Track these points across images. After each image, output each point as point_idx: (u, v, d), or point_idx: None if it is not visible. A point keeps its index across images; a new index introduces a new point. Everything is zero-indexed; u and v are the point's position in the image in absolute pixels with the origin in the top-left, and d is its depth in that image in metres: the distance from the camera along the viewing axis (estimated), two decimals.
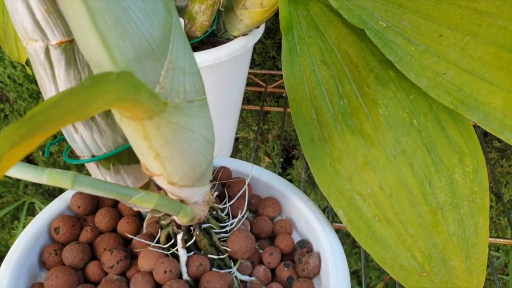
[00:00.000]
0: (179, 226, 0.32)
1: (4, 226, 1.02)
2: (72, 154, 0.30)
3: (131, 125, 0.24)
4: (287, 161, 0.98)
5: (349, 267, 0.95)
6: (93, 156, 0.28)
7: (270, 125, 0.90)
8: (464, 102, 0.30)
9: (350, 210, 0.33)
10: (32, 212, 0.98)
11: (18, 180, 0.99)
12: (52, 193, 1.00)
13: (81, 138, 0.27)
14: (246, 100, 0.88)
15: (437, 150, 0.33)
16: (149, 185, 0.31)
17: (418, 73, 0.33)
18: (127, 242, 0.35)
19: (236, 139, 0.93)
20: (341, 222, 0.60)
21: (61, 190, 0.85)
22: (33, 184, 1.01)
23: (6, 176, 0.97)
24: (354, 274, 1.01)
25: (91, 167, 0.29)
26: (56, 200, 0.36)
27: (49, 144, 0.30)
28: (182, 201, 0.29)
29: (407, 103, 0.33)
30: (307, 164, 0.88)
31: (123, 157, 0.29)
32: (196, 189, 0.28)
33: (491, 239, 0.59)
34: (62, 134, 0.29)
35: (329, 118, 0.34)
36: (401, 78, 0.34)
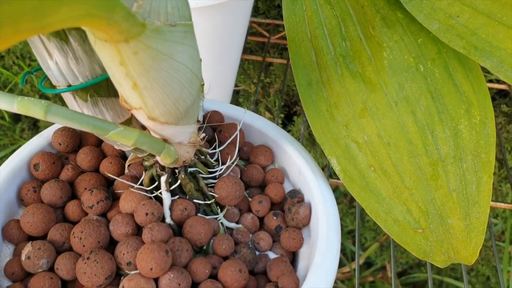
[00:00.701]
0: (163, 168, 0.30)
1: None
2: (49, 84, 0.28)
3: (106, 48, 0.21)
4: (288, 118, 0.96)
5: (345, 227, 0.94)
6: (69, 86, 0.26)
7: (272, 78, 0.88)
8: (478, 47, 0.28)
9: (344, 159, 0.32)
10: None
11: (14, 124, 0.98)
12: None
13: (56, 65, 0.25)
14: (249, 50, 0.85)
15: (443, 98, 0.31)
16: (131, 122, 0.29)
17: (429, 15, 0.30)
18: (109, 183, 0.33)
19: (237, 92, 0.91)
20: (338, 179, 0.58)
21: None
22: (30, 128, 0.99)
23: (1, 119, 0.95)
24: (350, 234, 1.00)
25: (68, 98, 0.27)
26: (36, 137, 0.34)
27: (24, 73, 0.28)
28: (165, 140, 0.27)
29: (414, 47, 0.31)
30: (307, 120, 0.86)
31: (102, 88, 0.27)
32: (180, 128, 0.26)
33: (491, 202, 0.58)
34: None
35: (329, 60, 0.32)
36: (409, 21, 0.32)
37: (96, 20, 0.19)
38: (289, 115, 0.95)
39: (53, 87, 0.27)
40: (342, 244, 0.94)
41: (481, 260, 0.97)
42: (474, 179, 0.31)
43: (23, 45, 0.88)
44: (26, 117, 1.00)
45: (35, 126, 1.01)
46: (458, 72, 0.31)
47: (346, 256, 0.96)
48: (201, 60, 0.25)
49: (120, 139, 0.25)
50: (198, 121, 0.28)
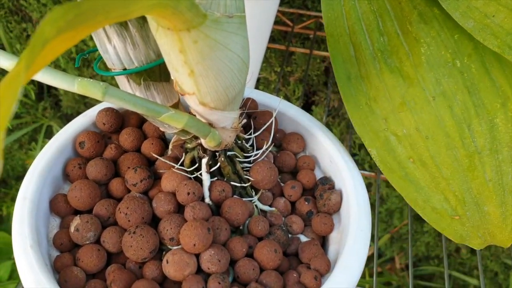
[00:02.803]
0: (204, 151, 0.32)
1: (22, 147, 1.04)
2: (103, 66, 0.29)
3: (167, 36, 0.23)
4: (306, 107, 0.97)
5: None
6: (125, 69, 0.27)
7: (294, 68, 0.89)
8: None
9: (384, 151, 0.33)
10: (49, 135, 1.00)
11: (37, 102, 1.00)
12: (69, 118, 1.01)
13: (114, 49, 0.26)
14: (272, 39, 0.86)
15: (479, 93, 0.32)
16: (178, 106, 0.31)
17: (465, 14, 0.31)
18: (150, 163, 0.35)
19: (258, 80, 0.92)
20: (364, 170, 0.60)
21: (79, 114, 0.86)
22: (52, 107, 1.01)
23: (26, 97, 0.97)
24: None
25: (122, 81, 0.28)
26: (81, 116, 0.36)
27: (79, 55, 0.29)
28: (210, 124, 0.29)
29: (451, 43, 0.32)
30: (328, 109, 0.86)
31: (155, 73, 0.28)
32: (226, 113, 0.28)
33: None
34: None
35: (367, 55, 0.33)
36: (446, 17, 0.33)
37: (164, 9, 0.20)
38: (307, 105, 0.96)
39: (108, 69, 0.28)
40: None
41: (491, 256, 0.98)
42: (510, 169, 0.32)
43: None
44: (49, 96, 1.01)
45: (57, 105, 1.03)
46: (494, 67, 0.32)
47: None
48: (249, 47, 0.27)
49: (171, 122, 0.26)
50: (240, 107, 0.29)
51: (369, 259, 1.00)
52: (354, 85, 0.33)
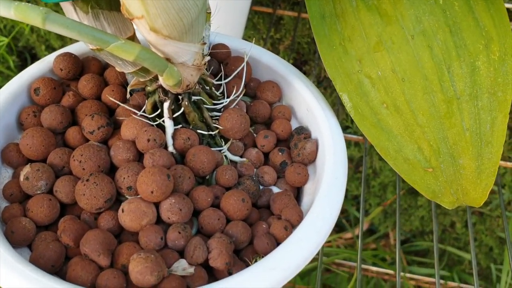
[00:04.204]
0: (166, 93, 0.29)
1: None
2: None
3: None
4: None
5: (350, 192, 0.94)
6: None
7: (283, 34, 0.85)
8: None
9: (356, 95, 0.30)
10: None
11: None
12: None
13: None
14: (259, 3, 0.82)
15: (462, 32, 0.29)
16: (133, 40, 0.28)
17: None
18: (111, 112, 0.32)
19: None
20: (349, 133, 0.57)
21: None
22: None
23: (8, 69, 0.94)
24: (355, 200, 1.00)
25: (69, 10, 0.26)
26: (37, 62, 0.33)
27: None
28: (168, 60, 0.26)
29: None
30: (320, 79, 0.84)
31: (104, 0, 0.25)
32: (183, 45, 0.25)
33: (501, 162, 0.56)
34: None
35: None
36: None
37: None
38: None
39: None
40: (345, 209, 0.94)
41: (485, 230, 0.96)
42: (489, 118, 0.30)
43: None
44: None
45: None
46: (479, 5, 0.29)
47: (349, 222, 0.96)
48: None
49: (121, 53, 0.24)
50: (203, 43, 0.27)
51: (364, 235, 0.98)
52: (328, 24, 0.30)
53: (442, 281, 0.84)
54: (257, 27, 0.85)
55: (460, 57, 0.29)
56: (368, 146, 0.56)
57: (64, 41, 0.83)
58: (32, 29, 0.89)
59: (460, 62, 0.29)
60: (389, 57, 0.30)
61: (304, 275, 0.84)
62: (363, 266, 0.81)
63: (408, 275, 0.82)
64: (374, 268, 0.85)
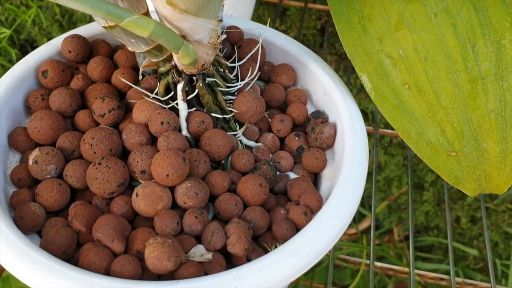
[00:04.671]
0: (180, 74, 0.28)
1: None
2: None
3: None
4: None
5: None
6: None
7: (288, 25, 0.84)
8: None
9: (376, 76, 0.29)
10: None
11: None
12: None
13: None
14: None
15: (487, 10, 0.28)
16: None
17: None
18: (121, 96, 0.31)
19: None
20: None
21: None
22: None
23: (9, 62, 0.93)
24: None
25: None
26: (45, 45, 0.32)
27: None
28: (183, 37, 0.25)
29: None
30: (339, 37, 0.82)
31: None
32: (200, 21, 0.24)
33: None
34: None
35: None
36: None
37: None
38: None
39: None
40: None
41: (491, 225, 0.95)
42: None
43: None
44: None
45: None
46: None
47: (353, 218, 0.95)
48: None
49: (135, 29, 0.23)
50: (220, 20, 0.26)
51: (367, 230, 0.97)
52: (346, 2, 0.29)
53: (446, 277, 0.83)
54: (262, 18, 0.84)
55: (485, 35, 0.28)
56: (379, 137, 0.55)
57: None
58: (34, 21, 0.88)
59: (485, 41, 0.28)
60: (411, 36, 0.29)
61: (308, 271, 0.83)
62: (366, 261, 0.80)
63: (416, 271, 0.80)
64: (378, 264, 0.84)
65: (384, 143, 0.88)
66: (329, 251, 0.39)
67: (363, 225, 0.94)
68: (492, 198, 0.91)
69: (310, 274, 0.83)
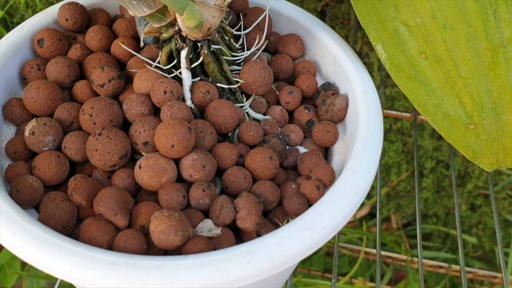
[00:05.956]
0: (184, 40, 0.26)
1: None
2: None
3: None
4: None
5: None
6: None
7: None
8: None
9: (392, 45, 0.28)
10: None
11: None
12: None
13: None
14: None
15: None
16: None
17: None
18: (122, 67, 0.30)
19: None
20: None
21: None
22: None
23: None
24: None
25: None
26: (40, 13, 0.31)
27: None
28: None
29: None
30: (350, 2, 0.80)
31: None
32: None
33: None
34: None
35: None
36: None
37: None
38: None
39: None
40: None
41: (490, 212, 0.95)
42: None
43: None
44: None
45: None
46: None
47: None
48: None
49: None
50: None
51: (365, 218, 0.96)
52: None
53: (445, 264, 0.82)
54: None
55: (508, 0, 0.26)
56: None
57: None
58: (27, 4, 0.86)
59: (507, 6, 0.26)
60: (428, 2, 0.27)
61: (306, 259, 0.82)
62: (366, 249, 0.79)
63: (414, 258, 0.79)
64: (376, 251, 0.83)
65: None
66: (333, 238, 0.37)
67: (361, 212, 0.93)
68: (492, 185, 0.90)
69: (308, 261, 0.82)
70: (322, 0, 0.83)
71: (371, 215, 0.98)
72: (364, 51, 0.66)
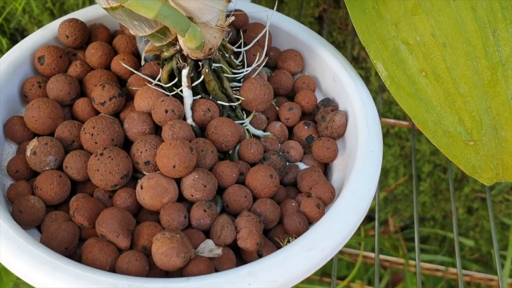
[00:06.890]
0: (185, 59, 0.26)
1: None
2: None
3: None
4: None
5: None
6: None
7: (285, 13, 0.83)
8: None
9: (392, 63, 0.28)
10: None
11: None
12: None
13: None
14: None
15: None
16: None
17: None
18: (122, 84, 0.30)
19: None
20: None
21: None
22: None
23: (1, 52, 0.91)
24: None
25: None
26: (41, 29, 0.31)
27: None
28: (190, 19, 0.24)
29: None
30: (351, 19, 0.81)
31: None
32: (208, 1, 0.23)
33: None
34: None
35: None
36: None
37: None
38: None
39: None
40: None
41: (487, 216, 0.95)
42: None
43: None
44: None
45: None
46: None
47: None
48: None
49: (141, 9, 0.21)
50: (227, 0, 0.24)
51: (363, 222, 0.96)
52: None
53: (442, 267, 0.82)
54: (261, 3, 0.82)
55: (507, 19, 0.27)
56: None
57: None
58: (24, 10, 0.86)
59: (506, 25, 0.27)
60: (428, 21, 0.27)
61: None
62: (364, 253, 0.79)
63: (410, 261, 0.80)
64: (372, 255, 0.83)
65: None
66: None
67: None
68: (489, 188, 0.90)
69: None
70: (320, 6, 0.84)
71: (369, 218, 0.98)
72: (361, 56, 0.66)
